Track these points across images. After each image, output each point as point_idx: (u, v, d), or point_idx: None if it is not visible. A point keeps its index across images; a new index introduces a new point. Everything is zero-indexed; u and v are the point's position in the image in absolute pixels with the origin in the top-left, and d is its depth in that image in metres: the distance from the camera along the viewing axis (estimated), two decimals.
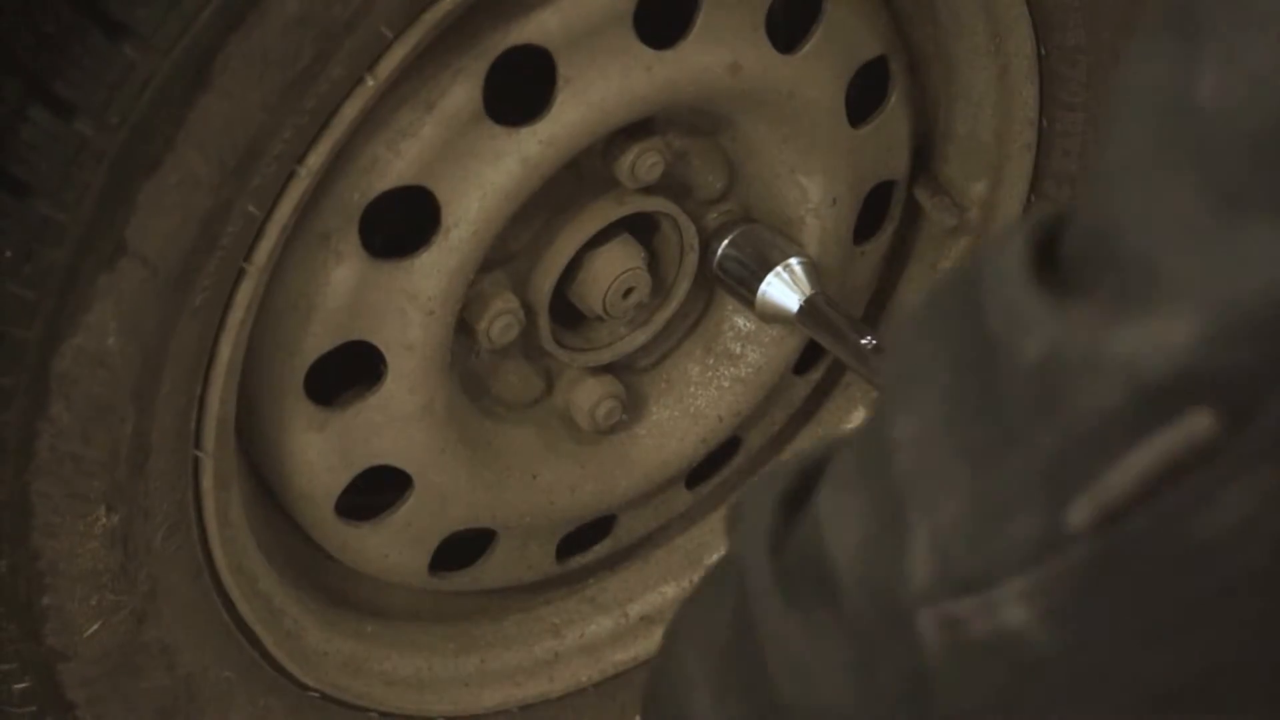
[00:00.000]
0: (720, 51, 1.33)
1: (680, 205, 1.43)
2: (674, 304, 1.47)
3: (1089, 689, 0.55)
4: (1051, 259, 0.55)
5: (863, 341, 1.43)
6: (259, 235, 1.14)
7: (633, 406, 1.50)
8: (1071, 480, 0.52)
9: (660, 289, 1.46)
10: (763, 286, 1.44)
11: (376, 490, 1.39)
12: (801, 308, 1.44)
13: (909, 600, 0.56)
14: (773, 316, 1.45)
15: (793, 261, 1.44)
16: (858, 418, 1.67)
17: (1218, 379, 0.50)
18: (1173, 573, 0.52)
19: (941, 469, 0.56)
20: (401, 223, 1.28)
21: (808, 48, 1.39)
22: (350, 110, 1.13)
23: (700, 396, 1.54)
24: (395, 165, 1.22)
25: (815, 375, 1.65)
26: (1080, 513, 0.52)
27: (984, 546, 0.54)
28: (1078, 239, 0.54)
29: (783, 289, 1.44)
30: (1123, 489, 0.51)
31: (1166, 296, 0.50)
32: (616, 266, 1.39)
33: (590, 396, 1.45)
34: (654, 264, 1.44)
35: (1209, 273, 0.49)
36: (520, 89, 1.26)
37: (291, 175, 1.13)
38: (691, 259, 1.45)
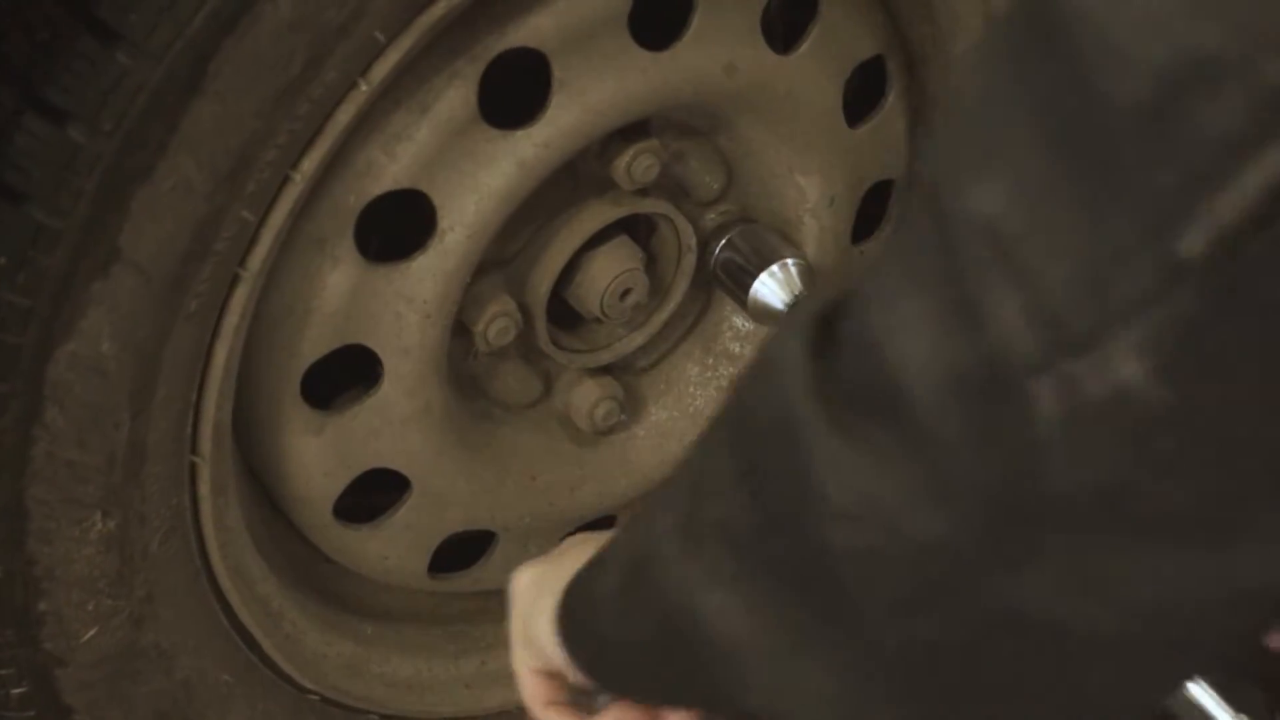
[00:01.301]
0: (716, 52, 1.32)
1: (677, 206, 1.42)
2: (672, 305, 1.47)
3: (1204, 457, 0.52)
4: None
5: None
6: (253, 241, 1.14)
7: (631, 407, 1.50)
8: (1186, 211, 0.48)
9: (658, 290, 1.45)
10: (754, 286, 1.44)
11: (375, 493, 1.39)
12: (789, 307, 1.43)
13: (1016, 374, 0.52)
14: (764, 317, 1.45)
15: (787, 262, 1.44)
16: None
17: None
18: None
19: (1043, 229, 0.51)
20: (397, 226, 1.28)
21: (804, 48, 1.39)
22: (344, 115, 1.13)
23: (699, 397, 1.54)
24: (390, 169, 1.22)
25: None
26: (1193, 242, 0.48)
27: (1095, 299, 0.50)
28: None
29: (774, 289, 1.43)
30: (1235, 212, 0.47)
31: None
32: (614, 268, 1.39)
33: (589, 398, 1.45)
34: (652, 265, 1.43)
35: None
36: (515, 92, 1.26)
37: (285, 180, 1.13)
38: (689, 260, 1.45)
